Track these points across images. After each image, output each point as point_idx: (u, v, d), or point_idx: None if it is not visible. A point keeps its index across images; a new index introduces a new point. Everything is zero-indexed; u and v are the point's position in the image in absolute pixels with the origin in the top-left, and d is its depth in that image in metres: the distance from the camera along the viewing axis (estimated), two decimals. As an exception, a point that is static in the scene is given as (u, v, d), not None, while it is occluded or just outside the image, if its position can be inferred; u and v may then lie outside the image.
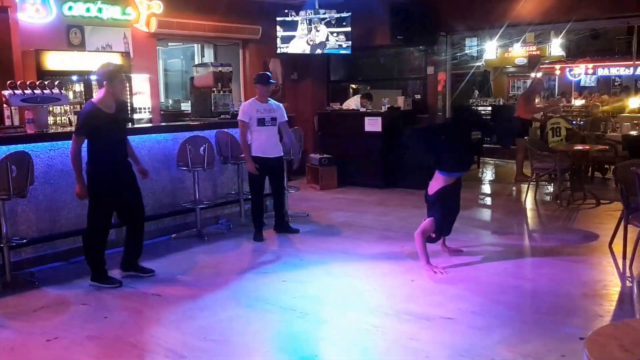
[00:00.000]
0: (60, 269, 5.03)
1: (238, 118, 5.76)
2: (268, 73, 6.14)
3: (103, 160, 4.40)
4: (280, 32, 9.18)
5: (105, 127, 4.35)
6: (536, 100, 9.95)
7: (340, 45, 9.22)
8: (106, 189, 4.44)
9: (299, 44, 9.21)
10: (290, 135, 6.06)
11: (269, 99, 5.87)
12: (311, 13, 9.09)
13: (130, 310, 4.12)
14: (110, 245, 4.79)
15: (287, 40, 9.22)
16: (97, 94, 4.50)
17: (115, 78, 4.39)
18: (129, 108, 5.00)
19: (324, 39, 9.15)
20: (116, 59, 7.15)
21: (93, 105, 4.41)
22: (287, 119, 5.96)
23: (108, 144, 4.42)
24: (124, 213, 4.70)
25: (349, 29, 9.10)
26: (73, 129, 4.38)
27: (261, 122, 5.71)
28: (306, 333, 3.69)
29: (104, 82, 4.38)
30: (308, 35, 9.12)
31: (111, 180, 4.45)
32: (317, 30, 9.13)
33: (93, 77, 6.88)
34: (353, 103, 9.39)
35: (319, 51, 9.26)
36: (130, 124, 4.93)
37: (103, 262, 4.59)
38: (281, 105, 6.03)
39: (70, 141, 4.40)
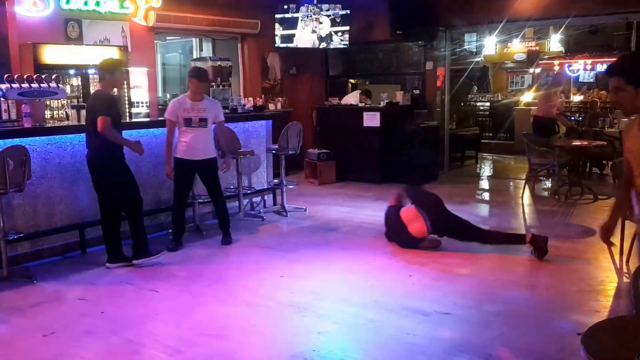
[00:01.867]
0: (57, 263, 5.02)
1: (164, 115, 5.40)
2: (205, 69, 5.71)
3: (118, 145, 4.68)
4: (279, 30, 9.15)
5: (119, 114, 4.81)
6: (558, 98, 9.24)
7: (344, 44, 9.21)
8: (123, 170, 4.74)
9: (304, 37, 9.15)
10: (225, 137, 5.55)
11: (205, 95, 5.45)
12: (312, 9, 9.05)
13: (128, 305, 4.11)
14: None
15: (286, 39, 9.19)
16: (97, 87, 4.82)
17: (116, 71, 4.69)
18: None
19: (328, 32, 9.12)
20: (114, 53, 7.12)
21: (108, 92, 4.71)
22: (223, 118, 5.46)
23: (120, 130, 4.78)
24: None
25: (347, 27, 9.09)
26: (99, 115, 4.52)
27: (187, 122, 5.24)
28: (304, 328, 3.69)
29: (106, 75, 4.67)
30: (313, 27, 9.07)
31: (123, 162, 4.77)
32: (320, 23, 9.09)
33: (91, 71, 6.86)
34: (352, 99, 9.37)
35: (323, 45, 9.23)
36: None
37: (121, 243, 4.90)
38: (217, 102, 5.58)
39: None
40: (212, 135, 5.45)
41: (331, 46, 9.26)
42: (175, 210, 5.46)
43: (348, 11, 9.09)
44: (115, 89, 4.99)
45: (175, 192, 5.42)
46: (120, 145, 4.70)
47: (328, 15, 9.10)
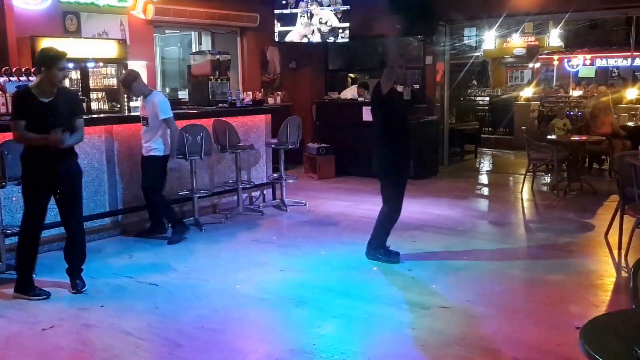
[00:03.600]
0: (56, 257, 4.98)
1: None
2: (128, 73, 5.48)
3: (34, 149, 4.01)
4: (277, 27, 9.11)
5: (35, 114, 3.96)
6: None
7: (344, 38, 9.19)
8: (36, 178, 4.06)
9: (303, 32, 9.13)
10: (171, 133, 5.34)
11: (152, 93, 5.38)
12: (312, 4, 9.01)
13: (127, 299, 4.11)
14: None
15: (285, 35, 9.17)
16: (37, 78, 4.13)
17: (54, 65, 3.95)
18: (78, 99, 4.55)
19: (332, 27, 9.10)
20: (112, 46, 7.10)
21: (26, 89, 4.06)
22: (164, 117, 5.24)
23: (38, 132, 3.96)
24: (59, 210, 4.25)
25: (347, 24, 9.07)
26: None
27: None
28: (304, 322, 3.70)
29: (42, 68, 3.98)
30: (313, 26, 9.06)
31: (42, 172, 4.03)
32: (322, 21, 9.07)
33: (90, 65, 6.84)
34: (350, 93, 9.35)
35: (331, 39, 9.22)
36: (78, 113, 4.19)
37: (32, 268, 4.17)
38: (156, 101, 5.27)
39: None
40: (156, 134, 5.31)
41: (337, 40, 9.22)
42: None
43: (348, 7, 9.05)
44: (53, 84, 4.05)
45: None
46: (34, 151, 4.00)
47: (330, 10, 9.07)
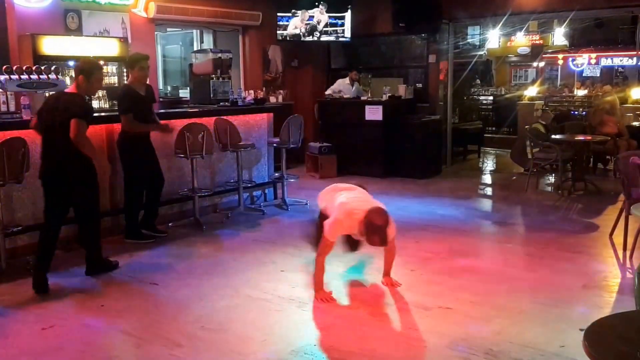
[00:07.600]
0: (57, 256, 4.96)
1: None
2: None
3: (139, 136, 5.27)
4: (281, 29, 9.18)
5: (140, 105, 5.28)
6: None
7: (338, 35, 9.18)
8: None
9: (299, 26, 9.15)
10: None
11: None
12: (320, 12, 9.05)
13: (127, 298, 4.09)
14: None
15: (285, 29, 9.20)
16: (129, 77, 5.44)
17: (142, 63, 5.30)
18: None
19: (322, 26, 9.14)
20: (114, 45, 7.09)
21: (129, 86, 5.34)
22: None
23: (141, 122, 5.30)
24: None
25: (346, 25, 9.08)
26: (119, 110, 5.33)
27: None
28: (304, 322, 3.67)
29: (134, 69, 5.30)
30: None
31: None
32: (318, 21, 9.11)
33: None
34: (341, 85, 9.27)
35: (324, 38, 9.23)
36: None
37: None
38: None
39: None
40: None
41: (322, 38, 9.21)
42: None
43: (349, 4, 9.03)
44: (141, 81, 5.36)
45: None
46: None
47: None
